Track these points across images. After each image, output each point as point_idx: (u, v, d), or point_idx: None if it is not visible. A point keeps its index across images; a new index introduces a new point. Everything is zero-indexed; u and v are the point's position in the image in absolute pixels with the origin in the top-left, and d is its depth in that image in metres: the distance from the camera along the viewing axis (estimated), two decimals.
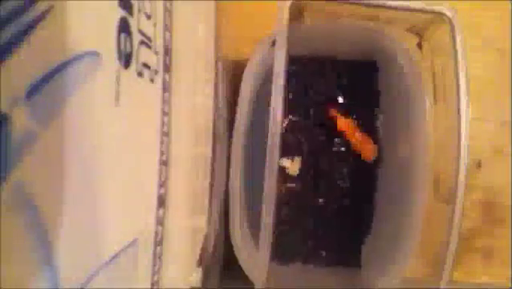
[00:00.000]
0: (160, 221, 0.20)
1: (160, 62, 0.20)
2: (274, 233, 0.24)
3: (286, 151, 0.37)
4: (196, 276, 0.26)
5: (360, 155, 0.36)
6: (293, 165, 0.37)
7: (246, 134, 0.30)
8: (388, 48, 0.33)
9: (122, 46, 0.16)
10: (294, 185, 0.37)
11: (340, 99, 0.37)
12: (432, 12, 0.26)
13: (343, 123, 0.36)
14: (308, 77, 0.37)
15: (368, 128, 0.37)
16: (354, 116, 0.37)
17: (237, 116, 0.29)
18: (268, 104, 0.24)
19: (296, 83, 0.37)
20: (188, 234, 0.25)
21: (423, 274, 0.29)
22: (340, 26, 0.31)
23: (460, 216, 0.25)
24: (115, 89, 0.15)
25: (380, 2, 0.26)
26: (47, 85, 0.11)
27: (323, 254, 0.37)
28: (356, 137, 0.36)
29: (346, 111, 0.37)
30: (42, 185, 0.12)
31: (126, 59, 0.16)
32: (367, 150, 0.36)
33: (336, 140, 0.37)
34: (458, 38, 0.26)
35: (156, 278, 0.20)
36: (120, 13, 0.15)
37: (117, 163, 0.16)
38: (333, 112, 0.36)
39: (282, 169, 0.36)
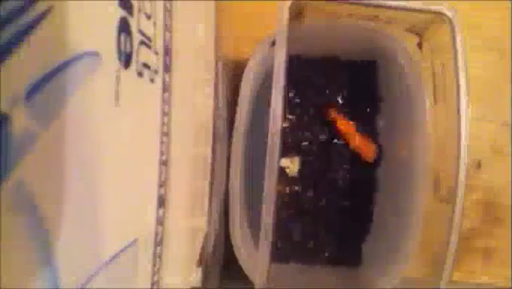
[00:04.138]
0: (160, 221, 0.20)
1: (160, 62, 0.20)
2: (273, 233, 0.24)
3: (286, 151, 0.37)
4: (196, 276, 0.26)
5: (360, 155, 0.36)
6: (292, 165, 0.37)
7: (246, 134, 0.30)
8: (388, 48, 0.33)
9: (122, 46, 0.16)
10: (294, 185, 0.37)
11: (340, 100, 0.37)
12: (433, 12, 0.26)
13: (343, 125, 0.36)
14: (308, 77, 0.37)
15: (368, 128, 0.37)
16: (354, 116, 0.37)
17: (237, 116, 0.29)
18: (268, 104, 0.24)
19: (296, 83, 0.37)
20: (188, 234, 0.25)
21: (423, 274, 0.29)
22: (340, 26, 0.31)
23: (460, 216, 0.25)
24: (115, 89, 0.15)
25: (380, 2, 0.26)
26: (47, 85, 0.11)
27: (323, 253, 0.37)
28: (356, 139, 0.36)
29: (345, 112, 0.37)
30: (42, 185, 0.12)
31: (126, 59, 0.16)
32: (368, 151, 0.36)
33: (336, 140, 0.37)
34: (458, 38, 0.26)
35: (156, 278, 0.20)
36: (120, 13, 0.15)
37: (117, 163, 0.16)
38: (332, 114, 0.36)
39: (281, 170, 0.36)
